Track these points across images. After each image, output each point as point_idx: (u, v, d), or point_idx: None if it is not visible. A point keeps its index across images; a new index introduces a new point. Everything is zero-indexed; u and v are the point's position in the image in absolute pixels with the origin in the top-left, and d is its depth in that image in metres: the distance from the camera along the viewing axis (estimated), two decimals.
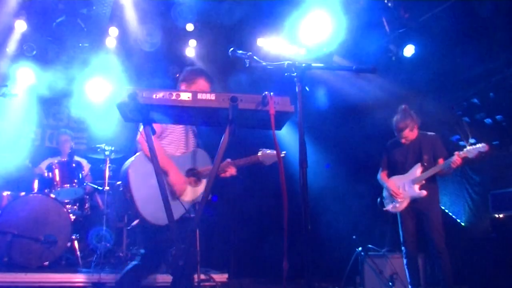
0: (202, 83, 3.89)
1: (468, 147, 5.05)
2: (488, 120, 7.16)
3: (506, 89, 6.75)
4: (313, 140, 7.21)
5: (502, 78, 6.78)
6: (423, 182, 5.26)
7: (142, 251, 3.75)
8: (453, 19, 6.20)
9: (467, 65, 6.73)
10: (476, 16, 6.04)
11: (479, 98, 7.20)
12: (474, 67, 6.79)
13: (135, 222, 3.50)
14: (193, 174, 3.76)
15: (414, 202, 5.29)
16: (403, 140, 5.42)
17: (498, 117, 7.02)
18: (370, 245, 6.27)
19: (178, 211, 3.47)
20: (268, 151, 3.97)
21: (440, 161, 5.28)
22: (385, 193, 5.59)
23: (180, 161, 3.69)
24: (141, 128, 3.33)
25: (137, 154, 3.56)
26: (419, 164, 5.34)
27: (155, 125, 3.18)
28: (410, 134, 5.38)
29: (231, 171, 3.88)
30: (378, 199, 5.67)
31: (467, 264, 6.23)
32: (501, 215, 6.41)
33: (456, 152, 5.05)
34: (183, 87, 3.90)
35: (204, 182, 3.79)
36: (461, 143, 7.47)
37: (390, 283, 5.85)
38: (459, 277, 5.95)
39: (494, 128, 7.03)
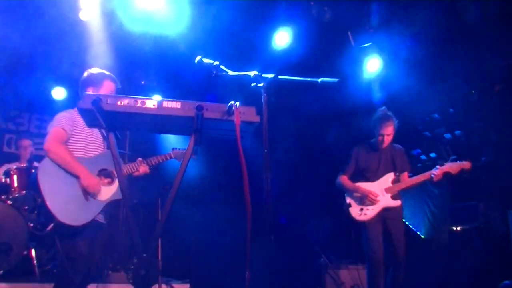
0: (108, 85, 4.01)
1: (450, 163, 5.07)
2: (447, 135, 7.38)
3: (465, 105, 6.98)
4: (277, 149, 7.26)
5: (461, 95, 7.00)
6: (396, 192, 5.16)
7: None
8: (416, 36, 6.38)
9: (429, 80, 6.92)
10: (438, 35, 6.24)
11: (440, 114, 7.42)
12: (436, 83, 6.99)
13: (50, 227, 3.54)
14: (106, 174, 3.89)
15: (384, 211, 5.09)
16: (384, 145, 5.21)
17: (457, 132, 7.25)
18: (332, 256, 6.33)
19: (92, 211, 3.69)
20: (181, 150, 4.44)
21: (405, 175, 5.29)
22: (349, 200, 5.22)
23: (90, 162, 3.83)
24: (51, 135, 3.72)
25: (44, 160, 3.66)
26: (391, 173, 5.22)
27: (63, 130, 3.71)
28: (390, 139, 5.23)
29: (144, 169, 4.14)
30: (344, 205, 5.26)
31: (425, 276, 6.35)
32: (459, 228, 6.59)
33: (438, 166, 5.06)
34: (90, 91, 3.94)
35: (117, 181, 3.93)
36: (422, 156, 7.70)
37: None
38: None
39: (453, 143, 7.25)
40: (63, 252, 3.64)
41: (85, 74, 4.10)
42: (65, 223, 3.49)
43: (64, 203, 3.53)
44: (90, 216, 3.65)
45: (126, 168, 4.08)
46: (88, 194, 3.68)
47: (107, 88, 4.00)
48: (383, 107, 5.30)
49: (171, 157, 4.40)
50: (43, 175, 3.56)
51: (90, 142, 3.93)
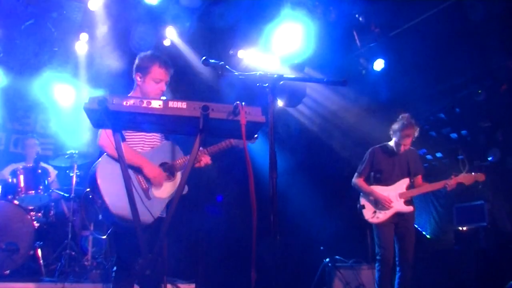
0: (157, 71, 3.57)
1: (465, 173, 5.12)
2: (453, 135, 7.35)
3: (471, 105, 6.94)
4: (282, 149, 7.25)
5: (467, 94, 6.97)
6: (410, 197, 5.19)
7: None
8: (422, 36, 6.36)
9: (435, 80, 6.89)
10: (443, 34, 6.21)
11: (445, 113, 7.38)
12: (442, 82, 6.96)
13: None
14: (166, 168, 3.54)
15: (397, 215, 5.12)
16: (402, 148, 5.17)
17: (463, 132, 7.22)
18: (337, 256, 6.31)
19: (156, 209, 3.33)
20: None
21: (419, 178, 5.30)
22: (364, 202, 5.26)
23: (149, 156, 3.47)
24: (101, 131, 3.32)
25: (102, 157, 3.35)
26: (407, 179, 5.24)
27: None
28: (407, 147, 5.22)
29: (206, 159, 3.70)
30: (358, 206, 5.30)
31: (430, 276, 6.32)
32: (464, 228, 6.56)
33: (453, 176, 5.09)
34: (138, 78, 3.60)
35: (178, 175, 3.58)
36: (428, 156, 7.67)
37: None
38: None
39: (459, 143, 7.22)
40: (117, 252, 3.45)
41: (137, 59, 3.67)
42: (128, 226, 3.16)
43: (125, 203, 3.10)
44: (152, 216, 3.27)
45: (184, 160, 3.63)
46: (148, 191, 3.37)
47: (155, 74, 3.56)
48: (406, 114, 5.21)
49: (231, 144, 3.81)
50: (102, 175, 3.25)
51: (148, 133, 3.54)
